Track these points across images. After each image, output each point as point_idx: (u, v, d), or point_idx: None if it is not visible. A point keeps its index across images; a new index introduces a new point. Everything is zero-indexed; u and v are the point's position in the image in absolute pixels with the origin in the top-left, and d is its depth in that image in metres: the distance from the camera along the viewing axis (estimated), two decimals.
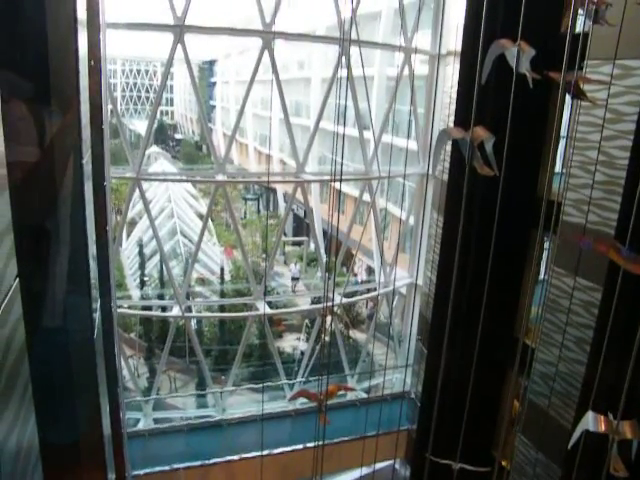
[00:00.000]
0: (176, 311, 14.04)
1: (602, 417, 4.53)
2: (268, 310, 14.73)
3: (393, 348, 17.62)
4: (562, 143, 11.01)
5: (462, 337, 11.82)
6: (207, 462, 13.40)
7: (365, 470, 14.40)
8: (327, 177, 15.80)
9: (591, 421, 4.55)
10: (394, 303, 18.28)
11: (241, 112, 14.90)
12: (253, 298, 14.63)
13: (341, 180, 12.13)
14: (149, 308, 19.90)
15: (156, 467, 13.04)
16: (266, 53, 13.48)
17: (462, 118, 11.48)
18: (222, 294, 23.28)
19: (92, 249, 6.77)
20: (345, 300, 16.01)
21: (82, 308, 6.21)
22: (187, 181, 27.52)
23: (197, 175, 30.65)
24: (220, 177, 13.57)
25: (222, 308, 20.16)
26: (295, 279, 26.93)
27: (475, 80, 5.84)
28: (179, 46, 12.69)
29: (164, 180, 27.81)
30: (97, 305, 7.17)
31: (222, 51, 41.93)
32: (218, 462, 13.46)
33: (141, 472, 12.70)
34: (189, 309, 15.17)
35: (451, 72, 13.04)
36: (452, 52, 13.60)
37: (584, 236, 8.88)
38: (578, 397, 9.30)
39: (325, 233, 24.73)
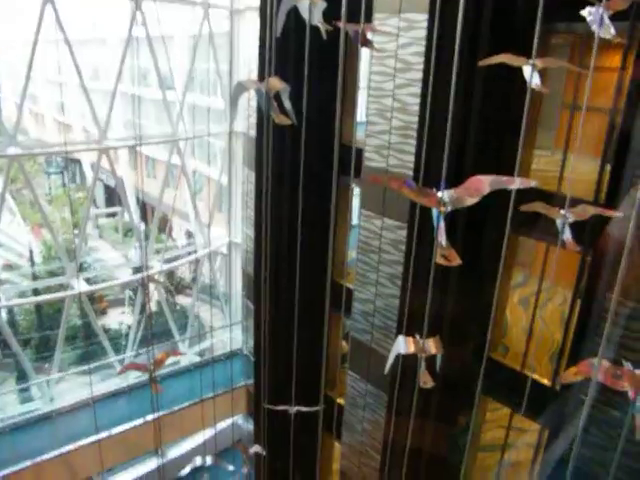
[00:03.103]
0: None
1: (410, 339, 5.01)
2: (84, 287, 13.92)
3: (221, 308, 17.71)
4: (361, 93, 11.55)
5: (284, 287, 12.25)
6: (40, 459, 12.53)
7: (210, 432, 14.53)
8: (131, 142, 15.08)
9: (401, 344, 5.02)
10: (216, 264, 18.31)
11: (28, 77, 13.45)
12: (68, 277, 13.75)
13: (141, 144, 11.76)
14: None
15: None
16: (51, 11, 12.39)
17: (264, 73, 11.54)
18: (34, 277, 21.54)
19: None
20: (166, 266, 15.68)
21: None
22: None
23: None
24: (12, 150, 12.36)
25: (36, 292, 18.64)
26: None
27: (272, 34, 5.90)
28: None
29: None
30: None
31: None
32: (53, 456, 12.66)
33: None
34: None
35: (251, 28, 13.02)
36: (250, 7, 13.58)
37: (379, 176, 9.53)
38: (395, 328, 10.08)
39: (139, 200, 23.85)
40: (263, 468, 12.05)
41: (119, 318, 21.77)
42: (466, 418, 10.33)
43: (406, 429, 10.59)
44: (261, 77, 11.14)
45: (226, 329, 17.03)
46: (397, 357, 5.19)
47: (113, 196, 32.07)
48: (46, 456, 12.62)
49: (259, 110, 12.20)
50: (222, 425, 14.32)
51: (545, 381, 9.29)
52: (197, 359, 16.36)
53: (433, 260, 4.46)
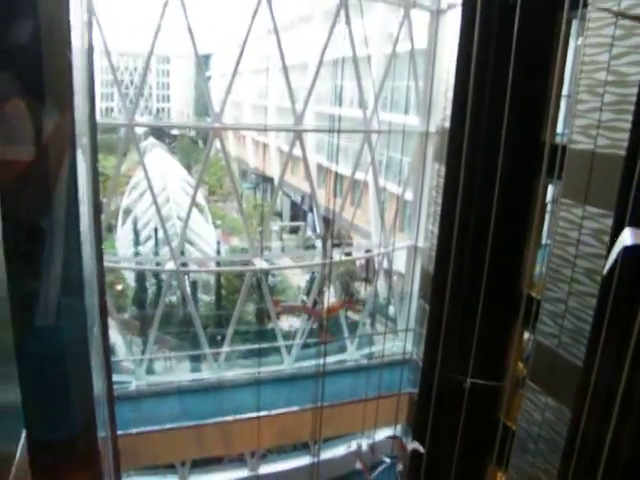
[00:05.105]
0: (170, 266, 13.76)
1: None
2: (265, 265, 14.26)
3: (393, 327, 17.24)
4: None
5: (465, 288, 11.43)
6: (202, 422, 12.96)
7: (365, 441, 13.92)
8: (325, 128, 15.45)
9: (629, 235, 4.15)
10: (394, 278, 17.91)
11: (234, 74, 14.30)
12: (250, 255, 14.23)
13: (337, 131, 11.91)
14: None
15: (151, 426, 12.69)
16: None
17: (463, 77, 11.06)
18: (217, 264, 23.18)
19: (86, 247, 6.66)
20: (344, 258, 15.61)
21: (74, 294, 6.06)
22: (181, 126, 27.03)
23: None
24: (217, 125, 13.41)
25: (219, 284, 19.97)
26: None
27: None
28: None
29: (158, 126, 26.23)
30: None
31: (219, 45, 41.97)
32: (213, 422, 13.02)
33: (133, 431, 12.29)
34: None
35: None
36: (452, 4, 13.39)
37: None
38: (589, 331, 8.87)
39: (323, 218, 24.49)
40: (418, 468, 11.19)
41: (291, 323, 22.25)
42: None
43: (592, 455, 9.21)
44: (462, 84, 10.79)
45: (396, 337, 16.44)
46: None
47: (297, 213, 33.62)
48: (208, 421, 13.01)
49: (455, 102, 11.69)
50: (379, 436, 13.68)
51: None
52: (362, 359, 15.97)
53: None
